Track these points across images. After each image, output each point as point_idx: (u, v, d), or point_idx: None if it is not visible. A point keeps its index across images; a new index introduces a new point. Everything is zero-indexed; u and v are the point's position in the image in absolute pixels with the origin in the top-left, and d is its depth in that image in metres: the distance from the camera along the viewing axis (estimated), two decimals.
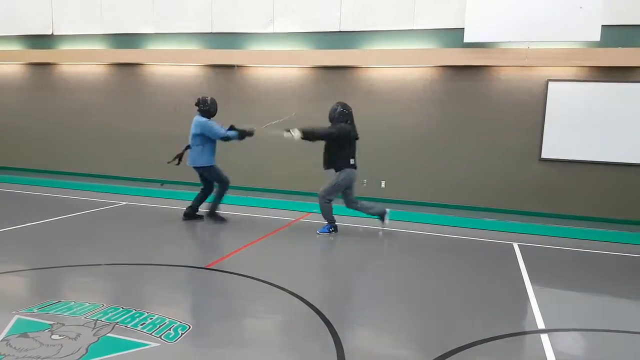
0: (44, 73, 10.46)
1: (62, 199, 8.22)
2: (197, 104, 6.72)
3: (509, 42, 7.54)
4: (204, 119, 6.63)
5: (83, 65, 10.17)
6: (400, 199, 8.53)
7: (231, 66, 9.17)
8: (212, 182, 6.93)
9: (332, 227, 6.48)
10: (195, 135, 6.64)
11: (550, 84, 7.67)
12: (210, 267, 4.88)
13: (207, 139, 6.63)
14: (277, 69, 8.97)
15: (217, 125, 6.63)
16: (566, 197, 7.79)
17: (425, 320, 3.87)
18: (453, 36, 7.90)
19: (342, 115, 6.24)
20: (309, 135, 6.19)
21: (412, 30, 8.15)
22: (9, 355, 2.95)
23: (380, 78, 8.49)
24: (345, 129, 6.19)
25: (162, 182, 9.80)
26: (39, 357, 2.94)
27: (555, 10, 7.11)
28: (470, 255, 5.83)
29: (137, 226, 6.69)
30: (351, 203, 6.53)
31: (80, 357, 2.96)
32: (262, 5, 8.81)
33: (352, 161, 6.28)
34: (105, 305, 3.78)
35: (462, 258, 5.68)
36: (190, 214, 6.96)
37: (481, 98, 8.06)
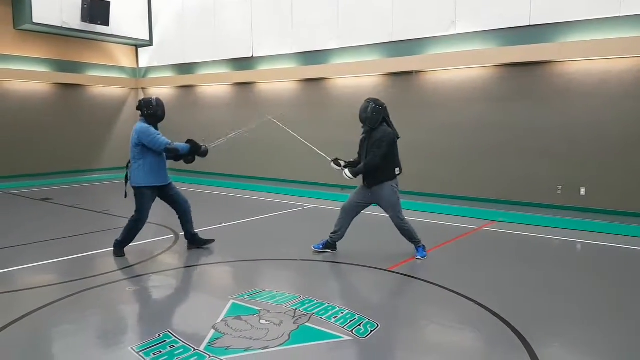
0: (246, 91, 11.95)
1: (259, 201, 9.32)
2: (138, 108, 5.26)
3: None
4: (145, 125, 5.18)
5: (277, 83, 11.33)
6: (604, 208, 7.45)
7: (409, 72, 9.20)
8: (181, 201, 5.53)
9: (324, 245, 5.61)
10: (134, 146, 5.20)
11: None
12: (392, 270, 4.95)
13: (147, 152, 5.16)
14: (458, 71, 8.70)
15: (160, 135, 5.21)
16: None
17: None
18: None
19: (377, 112, 5.10)
20: (360, 173, 5.31)
21: (619, 17, 7.10)
22: (227, 334, 3.40)
23: (580, 72, 7.56)
24: (389, 135, 5.13)
25: (342, 187, 10.30)
26: (250, 338, 3.34)
27: None
28: None
29: (323, 226, 7.14)
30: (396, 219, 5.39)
31: (284, 342, 3.28)
32: (443, 8, 8.66)
33: (397, 170, 5.28)
34: (301, 296, 4.12)
35: None
36: (193, 241, 5.73)
37: None
